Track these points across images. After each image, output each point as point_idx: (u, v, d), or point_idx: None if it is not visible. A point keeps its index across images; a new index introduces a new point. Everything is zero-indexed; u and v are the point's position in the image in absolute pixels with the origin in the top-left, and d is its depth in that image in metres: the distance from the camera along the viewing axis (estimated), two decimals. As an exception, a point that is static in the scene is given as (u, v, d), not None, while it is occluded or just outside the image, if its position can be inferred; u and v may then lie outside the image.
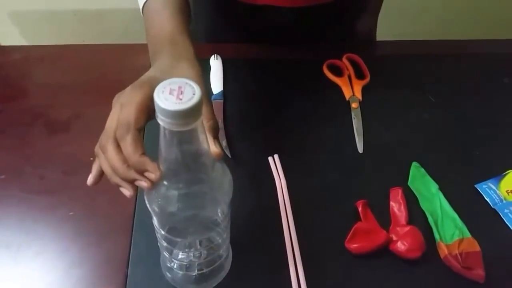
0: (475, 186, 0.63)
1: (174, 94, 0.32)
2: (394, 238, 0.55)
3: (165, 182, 0.38)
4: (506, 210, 0.60)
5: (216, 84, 0.73)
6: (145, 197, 0.41)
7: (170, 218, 0.41)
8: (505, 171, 0.64)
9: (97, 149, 0.44)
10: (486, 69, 0.81)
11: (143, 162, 0.39)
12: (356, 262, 0.55)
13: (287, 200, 0.60)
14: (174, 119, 0.32)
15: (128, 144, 0.40)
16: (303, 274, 0.53)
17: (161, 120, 0.33)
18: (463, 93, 0.76)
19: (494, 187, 0.62)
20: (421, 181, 0.63)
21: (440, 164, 0.66)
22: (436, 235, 0.56)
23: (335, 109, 0.72)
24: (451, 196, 0.61)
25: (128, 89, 0.45)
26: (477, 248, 0.55)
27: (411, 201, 0.61)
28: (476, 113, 0.73)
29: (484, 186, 0.63)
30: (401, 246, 0.54)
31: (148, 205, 0.40)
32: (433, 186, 0.62)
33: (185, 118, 0.32)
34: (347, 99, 0.73)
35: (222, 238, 0.48)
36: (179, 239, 0.45)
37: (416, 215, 0.59)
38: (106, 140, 0.42)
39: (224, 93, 0.73)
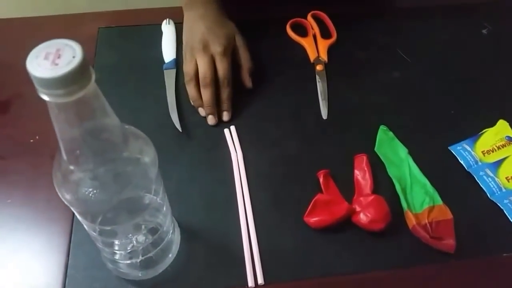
0: (449, 148, 0.58)
1: (49, 59, 0.27)
2: (357, 209, 0.51)
3: (71, 167, 0.33)
4: (481, 173, 0.55)
5: (169, 51, 0.67)
6: (57, 190, 0.35)
7: (89, 207, 0.36)
8: (482, 130, 0.59)
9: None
10: (462, 20, 0.75)
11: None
12: (316, 237, 0.50)
13: (243, 174, 0.55)
14: (51, 88, 0.27)
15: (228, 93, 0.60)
16: (258, 252, 0.49)
17: (40, 92, 0.27)
18: (438, 49, 0.70)
19: (469, 148, 0.57)
20: (389, 146, 0.58)
21: (411, 126, 0.60)
22: (404, 204, 0.52)
23: (299, 73, 0.67)
24: (423, 160, 0.56)
25: (213, 37, 0.60)
26: (448, 215, 0.51)
27: (378, 168, 0.56)
28: (451, 70, 0.68)
29: (458, 148, 0.58)
30: (363, 217, 0.50)
31: (61, 197, 0.35)
32: (402, 151, 0.57)
33: (65, 87, 0.27)
34: (311, 61, 0.67)
35: (160, 218, 0.44)
36: (109, 227, 0.40)
37: (383, 183, 0.55)
38: (207, 83, 0.59)
39: (178, 61, 0.67)
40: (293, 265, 0.49)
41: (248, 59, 0.64)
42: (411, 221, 0.50)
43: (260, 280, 0.46)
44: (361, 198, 0.52)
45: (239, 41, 0.64)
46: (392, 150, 0.57)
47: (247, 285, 0.46)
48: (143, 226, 0.43)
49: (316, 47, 0.69)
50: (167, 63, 0.66)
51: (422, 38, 0.72)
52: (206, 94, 0.59)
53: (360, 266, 0.49)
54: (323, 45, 0.69)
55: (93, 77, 0.29)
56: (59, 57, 0.27)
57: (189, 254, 0.49)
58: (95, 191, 0.34)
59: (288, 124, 0.61)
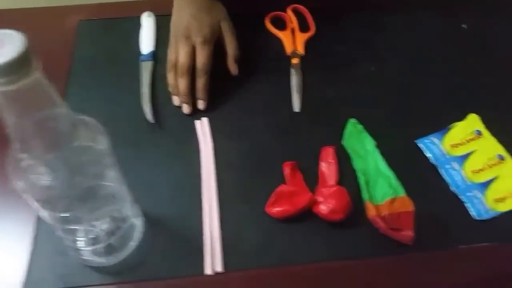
0: (416, 141, 0.58)
1: (-8, 47, 0.28)
2: (319, 199, 0.52)
3: (22, 155, 0.35)
4: (447, 166, 0.56)
5: (147, 43, 0.68)
6: (11, 178, 0.37)
7: (43, 194, 0.37)
8: (451, 124, 0.60)
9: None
10: (442, 15, 0.74)
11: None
12: (278, 227, 0.51)
13: (212, 165, 0.56)
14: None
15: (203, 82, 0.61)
16: (219, 241, 0.50)
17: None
18: (417, 43, 0.71)
19: (437, 142, 0.58)
20: (357, 139, 0.58)
21: (382, 120, 0.61)
22: (365, 195, 0.52)
23: (275, 66, 0.67)
24: (391, 153, 0.57)
25: (196, 26, 0.61)
26: (410, 207, 0.52)
27: (346, 160, 0.57)
28: (428, 64, 0.68)
29: (426, 141, 0.58)
30: (323, 207, 0.51)
31: (16, 185, 0.37)
32: (370, 143, 0.57)
33: (5, 75, 0.28)
34: (288, 54, 0.68)
35: (120, 206, 0.45)
36: (68, 215, 0.42)
37: (349, 175, 0.56)
38: (183, 72, 0.60)
39: (156, 54, 0.68)
40: (254, 254, 0.50)
41: (234, 46, 0.64)
42: (371, 212, 0.51)
43: (218, 268, 0.48)
44: (324, 189, 0.52)
45: (226, 27, 0.64)
46: (359, 142, 0.58)
47: (205, 273, 0.48)
48: (103, 214, 0.45)
49: (293, 41, 0.69)
50: (144, 55, 0.67)
51: (401, 32, 0.72)
52: (182, 83, 0.60)
53: (319, 256, 0.49)
54: (301, 38, 0.70)
55: (36, 66, 0.30)
56: (2, 47, 0.28)
57: (152, 242, 0.50)
58: (47, 178, 0.36)
59: (260, 117, 0.61)
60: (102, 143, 0.38)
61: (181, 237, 0.51)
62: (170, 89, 0.62)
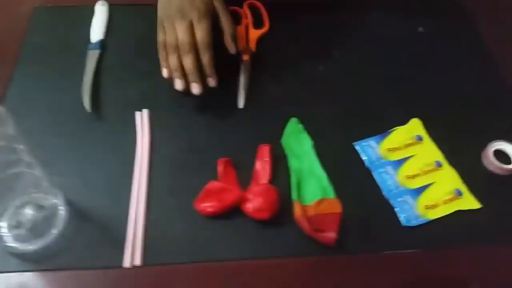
0: (353, 144, 0.58)
1: None
2: (248, 197, 0.51)
3: None
4: (381, 170, 0.55)
5: (97, 32, 0.67)
6: None
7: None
8: (393, 128, 0.59)
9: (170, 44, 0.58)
10: (400, 17, 0.74)
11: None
12: (206, 223, 0.51)
13: (146, 159, 0.55)
14: None
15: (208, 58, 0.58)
16: (142, 234, 0.49)
17: None
18: (370, 44, 0.70)
19: (374, 145, 0.58)
20: (296, 138, 0.58)
21: (325, 120, 0.61)
22: (294, 195, 0.52)
23: (225, 61, 0.66)
24: (328, 154, 0.57)
25: (189, 2, 0.58)
26: (337, 209, 0.52)
27: (282, 159, 0.57)
28: (378, 67, 0.67)
29: (363, 144, 0.58)
30: (250, 205, 0.50)
31: None
32: (307, 144, 0.57)
33: None
34: (239, 50, 0.68)
35: (43, 194, 0.45)
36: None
37: (283, 174, 0.55)
38: (186, 49, 0.57)
39: (105, 42, 0.67)
40: (178, 249, 0.49)
41: (229, 23, 0.62)
42: (297, 212, 0.51)
43: (137, 262, 0.47)
44: (253, 187, 0.52)
45: (218, 5, 0.62)
46: (297, 142, 0.58)
47: (123, 266, 0.47)
48: (25, 201, 0.45)
49: (246, 37, 0.69)
50: (92, 43, 0.66)
51: (357, 33, 0.72)
52: (187, 61, 0.57)
53: (240, 254, 0.49)
54: (254, 35, 0.69)
55: None
56: None
57: (76, 231, 0.50)
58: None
59: (203, 112, 0.61)
60: (8, 130, 0.38)
61: (106, 228, 0.51)
62: (173, 70, 0.58)
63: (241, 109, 0.61)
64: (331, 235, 0.49)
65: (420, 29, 0.72)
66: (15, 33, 0.69)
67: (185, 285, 0.47)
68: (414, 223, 0.51)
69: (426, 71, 0.67)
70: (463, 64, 0.68)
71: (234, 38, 0.63)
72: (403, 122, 0.60)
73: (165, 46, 0.59)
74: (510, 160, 0.57)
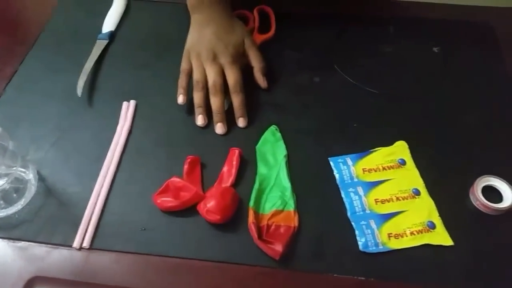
0: (329, 159, 0.56)
1: None
2: (204, 198, 0.51)
3: None
4: (350, 189, 0.53)
5: (109, 23, 0.71)
6: None
7: None
8: (376, 148, 0.56)
9: (199, 78, 0.60)
10: (414, 35, 0.70)
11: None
12: (161, 217, 0.51)
13: (120, 147, 0.57)
14: None
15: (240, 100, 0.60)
16: (97, 218, 0.51)
17: None
18: (373, 60, 0.67)
19: (350, 163, 0.55)
20: (271, 146, 0.57)
21: (306, 132, 0.59)
22: (251, 202, 0.51)
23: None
24: (303, 166, 0.55)
25: (222, 46, 0.61)
26: (292, 223, 0.50)
27: (254, 164, 0.56)
28: (376, 83, 0.64)
29: (339, 160, 0.55)
30: (203, 207, 0.50)
31: None
32: (281, 153, 0.56)
33: None
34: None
35: (15, 167, 0.48)
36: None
37: (250, 179, 0.54)
38: (217, 90, 0.59)
39: (115, 34, 0.70)
40: (128, 238, 0.50)
41: (259, 59, 0.63)
42: (250, 219, 0.50)
43: (85, 244, 0.49)
44: (213, 189, 0.52)
45: (248, 43, 0.63)
46: (272, 150, 0.56)
47: (72, 246, 0.49)
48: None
49: (249, 40, 0.69)
50: (102, 33, 0.69)
51: (364, 47, 0.69)
52: (216, 101, 0.59)
53: (183, 253, 0.49)
54: (258, 39, 0.68)
55: None
56: None
57: (40, 206, 0.52)
58: None
59: (184, 109, 0.61)
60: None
61: (69, 208, 0.53)
62: (197, 107, 0.60)
63: (226, 110, 0.61)
64: (278, 248, 0.47)
65: (436, 49, 0.68)
66: (41, 18, 0.74)
67: (123, 274, 0.48)
68: (371, 250, 0.48)
69: (430, 94, 0.63)
70: (473, 92, 0.63)
71: (264, 74, 0.63)
72: (390, 143, 0.57)
73: (187, 75, 0.61)
74: (500, 199, 0.52)
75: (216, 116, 0.59)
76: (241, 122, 0.60)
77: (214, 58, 0.60)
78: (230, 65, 0.60)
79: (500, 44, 0.68)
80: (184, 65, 0.62)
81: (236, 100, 0.60)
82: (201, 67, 0.61)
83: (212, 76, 0.60)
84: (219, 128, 0.59)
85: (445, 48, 0.68)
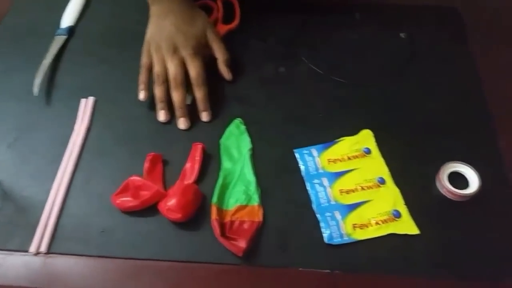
0: (294, 151, 0.55)
1: None
2: (166, 196, 0.50)
3: None
4: (315, 181, 0.52)
5: (68, 18, 0.68)
6: None
7: None
8: (341, 138, 0.55)
9: (159, 72, 0.57)
10: (381, 22, 0.69)
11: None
12: (122, 218, 0.50)
13: (77, 146, 0.55)
14: None
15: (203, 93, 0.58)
16: (54, 221, 0.49)
17: None
18: (340, 49, 0.66)
19: (316, 154, 0.54)
20: (236, 139, 0.56)
21: (272, 124, 0.58)
22: (214, 198, 0.50)
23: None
24: (267, 159, 0.54)
25: (182, 38, 0.58)
26: (256, 218, 0.49)
27: (218, 159, 0.54)
28: (345, 72, 0.63)
29: (304, 152, 0.54)
30: (163, 205, 0.49)
31: None
32: (246, 146, 0.55)
33: None
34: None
35: None
36: None
37: (213, 175, 0.53)
38: (178, 84, 0.57)
39: (74, 28, 0.68)
40: (87, 241, 0.49)
41: (223, 51, 0.61)
42: (213, 215, 0.48)
43: (42, 248, 0.47)
44: (174, 186, 0.50)
45: (211, 35, 0.61)
46: (236, 144, 0.55)
47: (28, 251, 0.47)
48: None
49: (212, 31, 0.67)
50: (61, 29, 0.67)
51: (330, 35, 0.67)
52: (177, 96, 0.57)
53: (149, 254, 0.48)
54: (222, 30, 0.67)
55: None
56: None
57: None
58: None
59: (144, 104, 0.59)
60: None
61: (25, 211, 0.51)
62: (158, 102, 0.58)
63: (187, 105, 0.60)
64: (241, 244, 0.46)
65: (402, 35, 0.67)
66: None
67: (83, 278, 0.46)
68: (336, 241, 0.47)
69: (397, 81, 0.62)
70: (439, 78, 0.62)
71: (228, 65, 0.61)
72: (355, 132, 0.56)
73: (148, 69, 0.59)
74: (466, 185, 0.52)
75: (178, 111, 0.57)
76: (204, 117, 0.58)
77: (175, 50, 0.58)
78: (192, 57, 0.58)
79: (467, 29, 0.68)
80: (144, 59, 0.60)
81: (199, 94, 0.58)
82: (161, 60, 0.59)
83: (172, 70, 0.57)
84: (182, 123, 0.57)
85: (412, 34, 0.67)
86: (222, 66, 0.61)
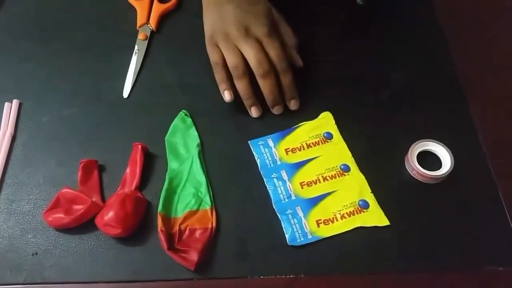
0: (249, 142, 0.49)
1: None
2: (103, 209, 0.43)
3: None
4: (273, 175, 0.46)
5: None
6: None
7: None
8: (299, 124, 0.50)
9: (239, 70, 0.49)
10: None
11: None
12: (57, 237, 0.44)
13: (1, 158, 0.48)
14: None
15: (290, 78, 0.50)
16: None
17: None
18: (302, 22, 0.59)
19: (272, 144, 0.48)
20: (182, 135, 0.49)
21: (222, 114, 0.52)
22: (160, 206, 0.44)
23: (119, 41, 0.57)
24: (219, 154, 0.48)
25: (252, 18, 0.49)
26: (208, 224, 0.43)
27: (164, 160, 0.48)
28: (304, 48, 0.56)
29: (259, 143, 0.49)
30: (101, 220, 0.43)
31: None
32: (193, 142, 0.49)
33: None
34: (137, 28, 0.59)
35: None
36: None
37: (159, 178, 0.47)
38: (265, 70, 0.48)
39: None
40: (17, 266, 0.42)
41: (291, 34, 0.54)
42: (159, 226, 0.43)
43: (-37, 282, 0.41)
44: (114, 196, 0.44)
45: (276, 15, 0.53)
46: (183, 140, 0.49)
47: None
48: None
49: (148, 12, 0.59)
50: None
51: (286, 9, 0.61)
52: (269, 84, 0.49)
53: (90, 276, 0.42)
54: (157, 10, 0.59)
55: None
56: None
57: None
58: None
59: (82, 102, 0.53)
60: None
61: None
62: (245, 98, 0.50)
63: (125, 99, 0.53)
64: (192, 257, 0.41)
65: (359, 1, 0.61)
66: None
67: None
68: (299, 242, 0.43)
69: (355, 54, 0.56)
70: (401, 47, 0.57)
71: (297, 50, 0.54)
72: (314, 116, 0.51)
73: (223, 66, 0.50)
74: (439, 165, 0.47)
75: (272, 100, 0.50)
76: (293, 105, 0.51)
77: (247, 33, 0.49)
78: (268, 37, 0.49)
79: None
80: (214, 57, 0.50)
81: (286, 79, 0.50)
82: (233, 49, 0.49)
83: (252, 56, 0.48)
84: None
85: None
86: (292, 51, 0.53)
